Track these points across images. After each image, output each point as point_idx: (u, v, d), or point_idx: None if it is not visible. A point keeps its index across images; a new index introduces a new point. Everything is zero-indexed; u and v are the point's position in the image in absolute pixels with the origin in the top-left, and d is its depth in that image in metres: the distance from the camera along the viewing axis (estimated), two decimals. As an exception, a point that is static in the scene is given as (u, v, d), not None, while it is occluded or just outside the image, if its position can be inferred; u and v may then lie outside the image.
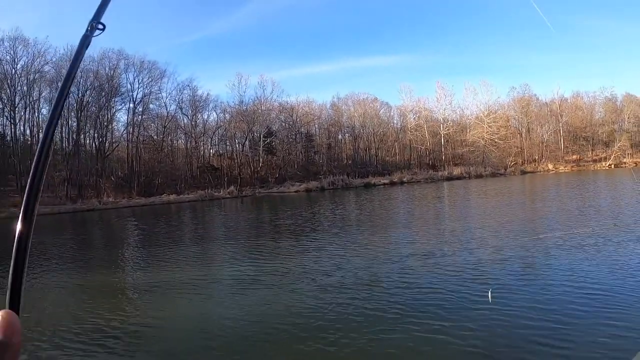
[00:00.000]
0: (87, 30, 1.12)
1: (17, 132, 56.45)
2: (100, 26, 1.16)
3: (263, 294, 10.06)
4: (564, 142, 73.24)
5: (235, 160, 67.72)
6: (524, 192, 38.41)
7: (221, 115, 71.76)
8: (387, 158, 75.76)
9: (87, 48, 1.06)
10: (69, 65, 0.98)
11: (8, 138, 55.90)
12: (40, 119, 57.83)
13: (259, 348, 7.11)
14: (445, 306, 8.10)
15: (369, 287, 9.91)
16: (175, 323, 8.56)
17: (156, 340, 7.74)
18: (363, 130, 74.95)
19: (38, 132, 57.93)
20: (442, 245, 14.18)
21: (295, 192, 57.79)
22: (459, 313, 7.68)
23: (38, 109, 57.66)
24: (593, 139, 73.50)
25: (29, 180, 0.75)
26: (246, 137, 68.73)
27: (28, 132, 57.64)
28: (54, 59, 56.84)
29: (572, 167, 68.72)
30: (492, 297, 7.71)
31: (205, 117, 70.84)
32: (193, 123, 68.02)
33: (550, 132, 73.72)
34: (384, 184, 61.16)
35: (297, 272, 11.87)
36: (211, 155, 70.67)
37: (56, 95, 0.95)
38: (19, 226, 0.68)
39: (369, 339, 6.90)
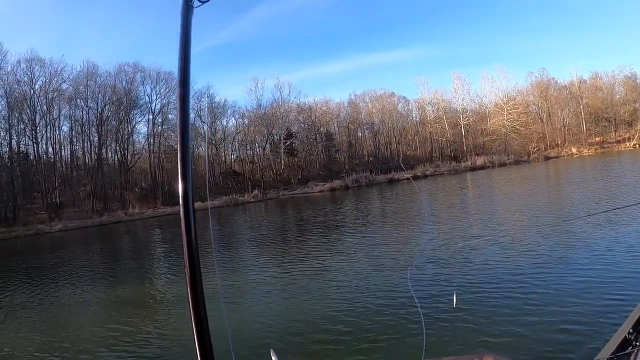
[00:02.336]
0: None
1: (40, 150, 56.93)
2: None
3: (302, 298, 9.90)
4: (585, 125, 72.11)
5: (257, 164, 67.56)
6: (549, 178, 38.02)
7: (240, 120, 72.08)
8: (408, 152, 75.23)
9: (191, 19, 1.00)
10: (179, 44, 0.96)
11: (31, 157, 56.49)
12: (61, 136, 57.96)
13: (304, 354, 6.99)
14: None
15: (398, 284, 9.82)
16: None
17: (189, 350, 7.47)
18: (382, 125, 74.64)
19: (60, 149, 58.34)
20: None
21: (319, 192, 57.58)
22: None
23: (59, 126, 58.47)
24: (615, 120, 72.36)
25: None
26: (266, 141, 68.52)
27: (50, 149, 58.00)
28: (70, 77, 57.99)
29: (595, 149, 67.66)
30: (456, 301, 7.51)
31: (225, 123, 70.72)
32: (213, 130, 67.77)
33: (571, 115, 72.63)
34: (408, 178, 60.62)
35: (339, 272, 11.84)
36: (233, 160, 70.56)
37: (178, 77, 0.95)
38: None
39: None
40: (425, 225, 18.49)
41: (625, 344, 3.96)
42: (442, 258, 11.86)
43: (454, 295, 7.55)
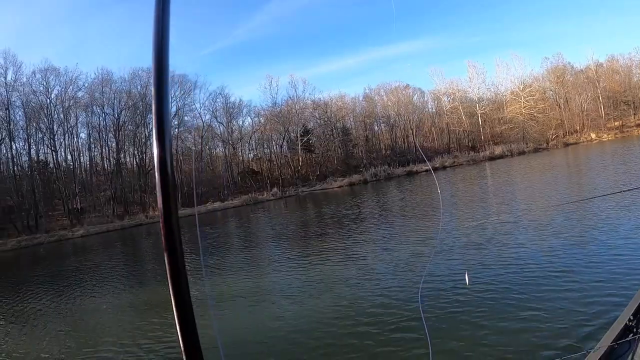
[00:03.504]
0: None
1: (59, 158, 57.38)
2: None
3: (327, 299, 9.73)
4: (604, 109, 71.25)
5: (275, 162, 67.24)
6: (570, 165, 37.65)
7: (256, 119, 72.02)
8: (426, 144, 74.72)
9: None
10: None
11: (51, 165, 56.79)
12: (79, 143, 58.11)
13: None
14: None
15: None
16: (228, 335, 8.28)
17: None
18: (399, 118, 74.00)
19: (79, 156, 58.66)
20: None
21: (338, 187, 57.31)
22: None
23: (77, 133, 58.69)
24: (634, 103, 71.36)
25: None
26: (283, 138, 68.19)
27: (69, 157, 58.22)
28: (86, 84, 58.54)
29: (615, 134, 66.98)
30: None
31: (240, 122, 70.55)
32: (229, 130, 67.60)
33: (589, 100, 71.54)
34: (426, 170, 60.18)
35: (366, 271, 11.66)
36: (250, 159, 70.29)
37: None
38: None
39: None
40: (441, 222, 18.05)
41: (626, 331, 4.00)
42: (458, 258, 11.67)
43: (466, 275, 7.83)
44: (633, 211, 13.29)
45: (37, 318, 12.44)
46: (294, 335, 7.91)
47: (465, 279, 7.81)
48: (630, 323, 4.13)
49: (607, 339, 3.89)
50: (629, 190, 15.14)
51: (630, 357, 3.67)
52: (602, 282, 7.94)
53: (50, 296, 15.27)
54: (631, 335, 3.90)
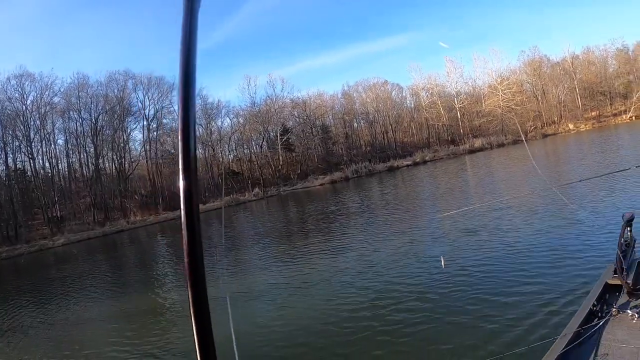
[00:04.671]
0: None
1: (37, 166, 56.64)
2: None
3: (324, 296, 9.79)
4: (581, 100, 71.89)
5: (255, 162, 67.23)
6: (549, 155, 38.06)
7: (235, 119, 71.42)
8: (405, 139, 75.00)
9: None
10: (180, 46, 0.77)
11: (29, 173, 56.19)
12: (57, 150, 57.81)
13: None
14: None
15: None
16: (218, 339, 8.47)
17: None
18: (378, 114, 74.13)
19: (57, 163, 58.21)
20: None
21: (320, 185, 57.27)
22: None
23: (54, 140, 58.06)
24: (610, 93, 72.26)
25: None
26: (263, 138, 68.23)
27: (47, 164, 57.54)
28: (62, 89, 57.50)
29: (592, 124, 67.58)
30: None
31: (220, 123, 69.98)
32: (208, 132, 67.27)
33: (566, 92, 72.18)
34: (407, 165, 60.59)
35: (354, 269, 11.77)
36: (230, 160, 70.13)
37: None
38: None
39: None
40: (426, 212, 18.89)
41: (591, 316, 4.12)
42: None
43: (442, 258, 8.10)
44: (609, 197, 13.93)
45: (21, 331, 12.39)
46: (293, 332, 8.09)
47: (441, 263, 8.66)
48: (595, 308, 4.27)
49: (572, 325, 4.01)
50: (610, 173, 15.50)
51: (596, 341, 3.80)
52: (569, 267, 8.26)
53: (32, 308, 15.20)
54: (596, 319, 4.04)
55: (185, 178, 0.69)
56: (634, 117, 65.48)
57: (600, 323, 3.93)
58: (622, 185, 15.21)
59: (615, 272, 4.75)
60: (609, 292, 4.66)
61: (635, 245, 5.58)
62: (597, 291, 4.60)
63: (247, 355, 7.00)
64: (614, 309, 4.15)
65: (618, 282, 4.62)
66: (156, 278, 17.38)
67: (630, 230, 5.62)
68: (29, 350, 10.38)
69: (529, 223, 12.75)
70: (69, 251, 37.76)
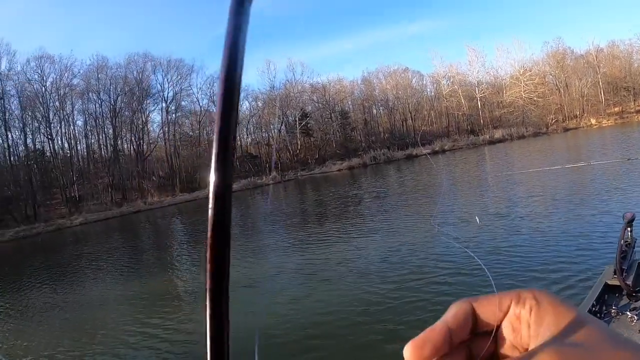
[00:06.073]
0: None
1: (56, 146, 56.77)
2: None
3: (340, 287, 9.54)
4: (604, 95, 70.87)
5: (273, 146, 66.75)
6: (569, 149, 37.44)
7: (253, 103, 70.79)
8: (425, 128, 74.24)
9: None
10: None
11: (48, 154, 56.10)
12: (76, 131, 57.52)
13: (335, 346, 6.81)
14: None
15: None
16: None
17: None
18: (397, 102, 73.30)
19: (76, 144, 57.99)
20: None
21: (337, 171, 57.16)
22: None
23: (73, 121, 57.87)
24: (634, 89, 70.83)
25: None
26: (281, 122, 67.45)
27: (66, 145, 57.37)
28: (81, 71, 57.58)
29: (615, 119, 66.68)
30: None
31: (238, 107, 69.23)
32: (226, 114, 66.49)
33: (589, 85, 71.13)
34: (426, 154, 60.13)
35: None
36: (249, 144, 69.59)
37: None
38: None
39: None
40: (442, 201, 18.58)
41: None
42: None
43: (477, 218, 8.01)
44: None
45: (39, 312, 12.28)
46: (314, 320, 7.94)
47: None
48: (594, 309, 4.21)
49: None
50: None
51: None
52: (567, 266, 8.21)
53: (51, 288, 15.10)
54: None
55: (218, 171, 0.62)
56: (657, 115, 64.84)
57: None
58: (628, 183, 15.07)
59: (614, 273, 4.67)
60: (608, 293, 4.62)
61: (636, 246, 5.53)
62: (596, 292, 4.55)
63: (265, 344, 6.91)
64: (613, 310, 4.12)
65: (617, 283, 4.55)
66: (172, 260, 17.29)
67: (631, 231, 5.54)
68: (44, 329, 10.33)
69: (528, 220, 12.57)
70: (86, 230, 37.99)
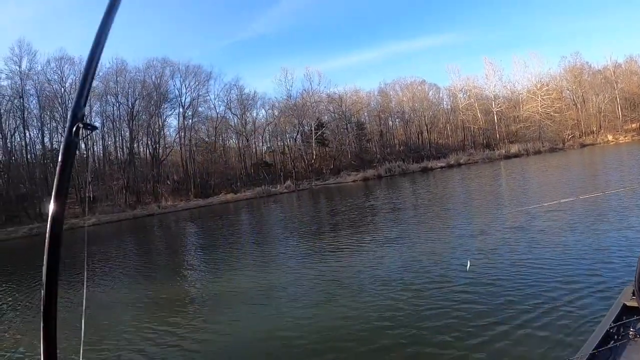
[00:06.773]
0: (70, 133, 0.84)
1: None
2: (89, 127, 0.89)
3: (343, 301, 9.06)
4: (621, 111, 70.40)
5: (288, 155, 66.65)
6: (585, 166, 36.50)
7: (270, 111, 71.42)
8: (440, 140, 74.18)
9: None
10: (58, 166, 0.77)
11: (64, 153, 55.42)
12: (93, 133, 57.24)
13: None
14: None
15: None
16: (238, 336, 7.96)
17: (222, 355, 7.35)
18: (413, 114, 73.34)
19: (92, 145, 58.38)
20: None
21: (352, 181, 56.94)
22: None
23: (90, 122, 56.93)
24: (652, 105, 70.78)
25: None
26: (297, 131, 67.71)
27: (83, 145, 56.79)
28: (100, 74, 57.35)
29: (632, 136, 66.00)
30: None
31: (255, 115, 69.92)
32: (243, 122, 67.33)
33: (607, 101, 70.67)
34: (441, 167, 59.78)
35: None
36: (264, 152, 69.76)
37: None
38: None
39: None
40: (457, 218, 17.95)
41: (607, 338, 3.95)
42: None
43: (468, 262, 8.25)
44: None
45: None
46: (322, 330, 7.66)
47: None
48: (612, 330, 4.05)
49: (588, 346, 3.80)
50: None
51: None
52: (585, 285, 7.87)
53: (62, 287, 14.40)
54: (612, 342, 3.83)
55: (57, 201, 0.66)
56: (675, 132, 64.23)
57: (617, 346, 3.74)
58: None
59: (633, 294, 4.49)
60: (627, 315, 4.40)
61: None
62: (614, 313, 4.39)
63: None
64: (631, 332, 3.90)
65: (636, 304, 4.36)
66: (183, 265, 16.85)
67: None
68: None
69: (545, 236, 12.08)
70: (99, 231, 37.67)
